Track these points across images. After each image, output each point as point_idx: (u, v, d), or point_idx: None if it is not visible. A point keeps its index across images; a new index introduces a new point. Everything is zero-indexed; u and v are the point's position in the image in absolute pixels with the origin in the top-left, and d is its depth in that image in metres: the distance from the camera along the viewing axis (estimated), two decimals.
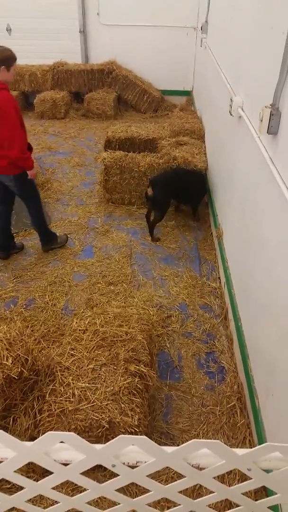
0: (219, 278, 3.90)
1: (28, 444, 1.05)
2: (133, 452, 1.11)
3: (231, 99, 3.28)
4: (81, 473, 1.13)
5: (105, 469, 1.18)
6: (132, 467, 1.12)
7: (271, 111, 2.21)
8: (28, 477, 1.27)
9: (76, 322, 2.67)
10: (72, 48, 8.21)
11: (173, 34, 8.01)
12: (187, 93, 8.50)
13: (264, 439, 2.24)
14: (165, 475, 2.25)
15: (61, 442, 1.06)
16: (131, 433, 2.14)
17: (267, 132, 2.25)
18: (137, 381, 2.34)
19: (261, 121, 2.28)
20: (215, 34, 5.38)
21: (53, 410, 2.22)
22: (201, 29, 6.53)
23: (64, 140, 6.95)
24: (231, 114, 3.28)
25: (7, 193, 3.77)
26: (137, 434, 2.14)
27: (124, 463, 1.11)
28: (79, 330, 2.60)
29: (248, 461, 1.08)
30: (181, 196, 4.60)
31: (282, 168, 2.12)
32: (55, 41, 8.16)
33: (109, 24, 7.99)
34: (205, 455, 1.10)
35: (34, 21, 7.98)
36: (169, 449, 1.07)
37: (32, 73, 7.98)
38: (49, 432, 1.03)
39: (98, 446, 1.06)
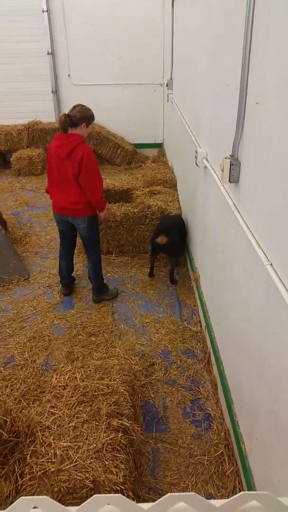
0: (199, 321, 3.92)
1: None
2: None
3: (196, 151, 3.46)
4: None
5: None
6: None
7: (231, 161, 2.34)
8: None
9: (56, 378, 2.62)
10: (46, 108, 8.57)
11: (141, 91, 8.48)
12: (159, 145, 8.89)
13: (253, 486, 2.19)
14: None
15: (35, 507, 1.04)
16: (116, 491, 2.06)
17: (229, 181, 2.38)
18: (121, 436, 2.28)
19: (222, 171, 2.41)
20: (179, 90, 5.73)
21: (35, 473, 2.14)
22: (167, 86, 6.95)
23: (42, 195, 7.08)
24: (197, 165, 3.44)
25: (72, 238, 4.16)
26: (123, 492, 2.06)
27: None
28: (59, 386, 2.56)
29: None
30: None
31: (244, 213, 2.23)
32: (29, 102, 8.52)
33: (80, 84, 8.42)
34: (183, 509, 1.08)
35: (8, 85, 8.35)
36: (145, 505, 1.05)
37: (7, 133, 8.25)
38: (22, 497, 1.01)
39: (72, 509, 1.04)
